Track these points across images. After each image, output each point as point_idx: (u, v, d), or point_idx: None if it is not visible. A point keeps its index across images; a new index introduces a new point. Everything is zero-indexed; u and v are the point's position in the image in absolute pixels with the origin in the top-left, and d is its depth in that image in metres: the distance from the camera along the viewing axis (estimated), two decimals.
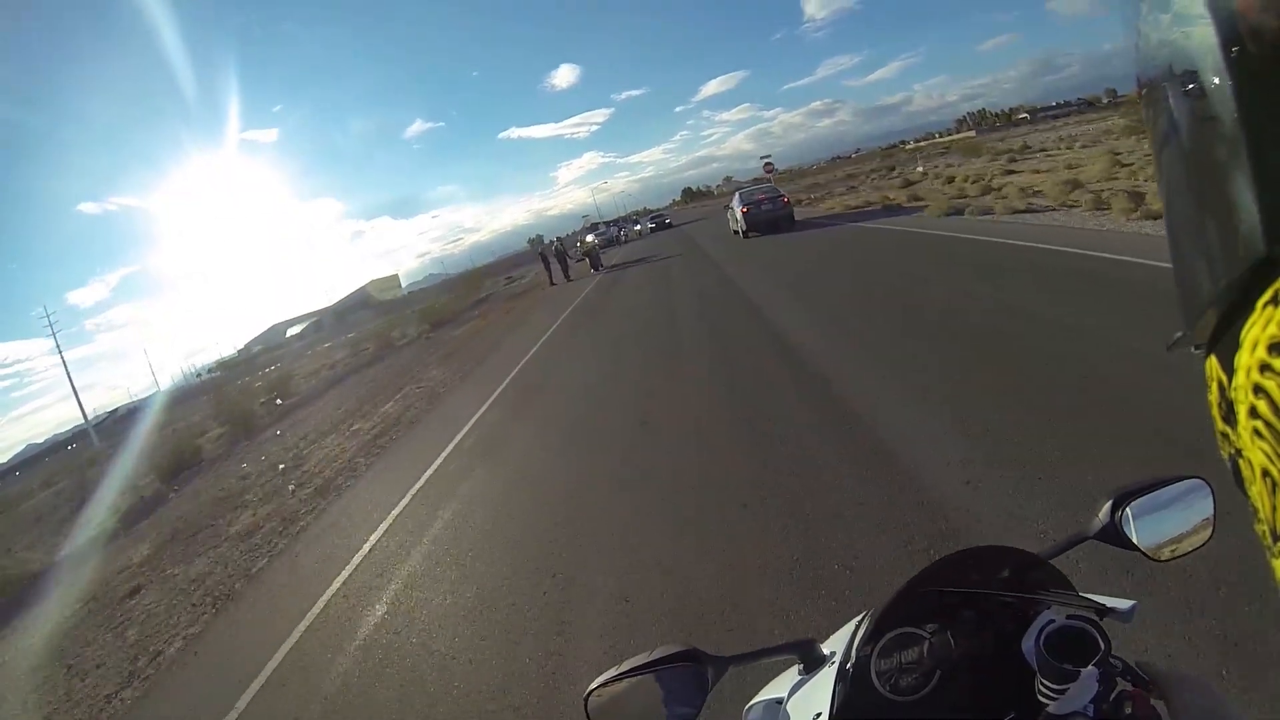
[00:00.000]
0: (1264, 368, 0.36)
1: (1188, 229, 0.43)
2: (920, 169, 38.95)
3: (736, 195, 27.69)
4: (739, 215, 25.41)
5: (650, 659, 0.98)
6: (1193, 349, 0.46)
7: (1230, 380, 0.40)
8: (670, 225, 56.31)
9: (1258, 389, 0.37)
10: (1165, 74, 0.41)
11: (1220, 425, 0.43)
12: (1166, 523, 1.03)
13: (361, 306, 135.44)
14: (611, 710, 0.98)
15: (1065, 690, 0.79)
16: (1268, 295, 0.36)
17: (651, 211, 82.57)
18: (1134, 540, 1.02)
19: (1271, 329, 0.35)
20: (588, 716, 0.98)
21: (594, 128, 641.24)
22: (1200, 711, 0.77)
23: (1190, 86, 0.39)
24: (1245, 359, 0.38)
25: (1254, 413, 0.38)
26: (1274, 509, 0.38)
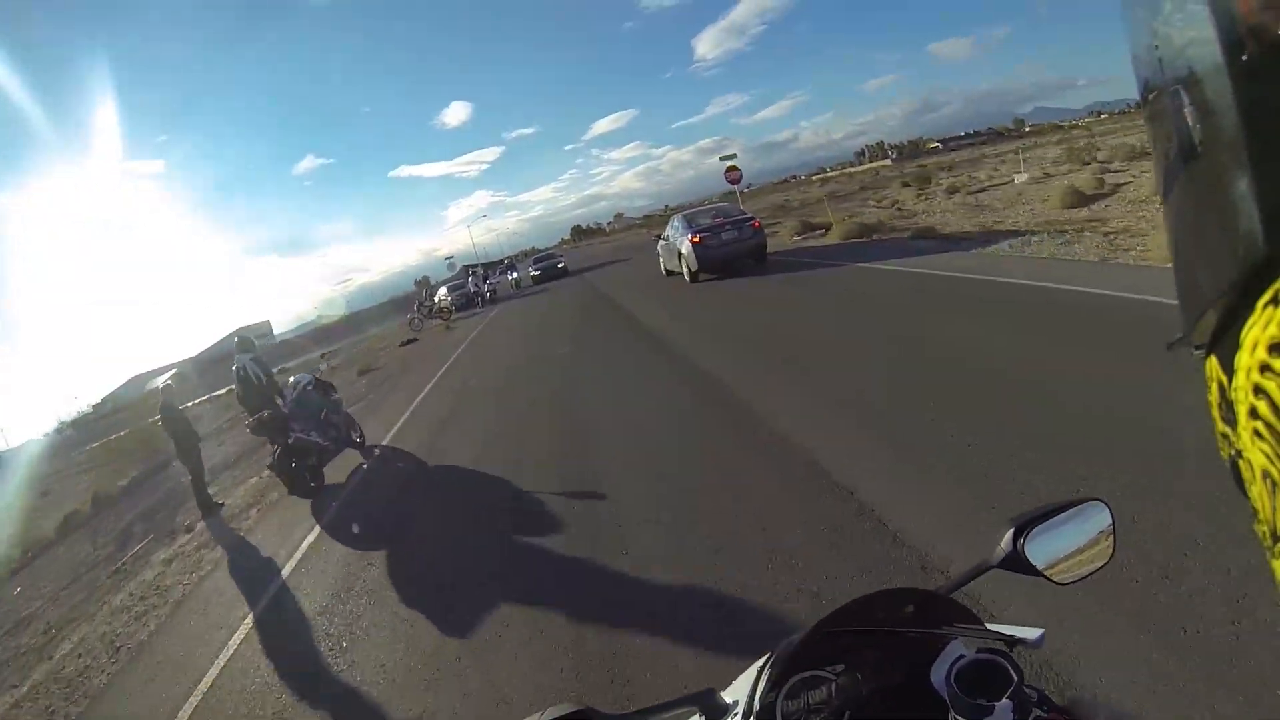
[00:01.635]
0: (1264, 368, 0.36)
1: (1188, 229, 0.43)
2: (1022, 174, 24.02)
3: (676, 221, 17.87)
4: (685, 249, 16.37)
5: None
6: (1193, 350, 0.45)
7: (1230, 381, 0.40)
8: (563, 270, 36.48)
9: (1258, 390, 0.36)
10: (1165, 75, 0.41)
11: (1220, 426, 0.43)
12: (1066, 544, 1.03)
13: (228, 357, 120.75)
14: None
15: None
16: (1268, 296, 0.35)
17: (538, 251, 58.94)
18: (1036, 567, 1.01)
19: (1271, 329, 0.35)
20: None
21: (484, 166, 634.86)
22: None
23: (1191, 87, 0.38)
24: (1245, 360, 0.37)
25: (1254, 413, 0.37)
26: (1274, 509, 0.37)
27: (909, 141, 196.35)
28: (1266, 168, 0.33)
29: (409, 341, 25.56)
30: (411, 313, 32.87)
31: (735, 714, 0.95)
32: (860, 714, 0.90)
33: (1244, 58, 0.34)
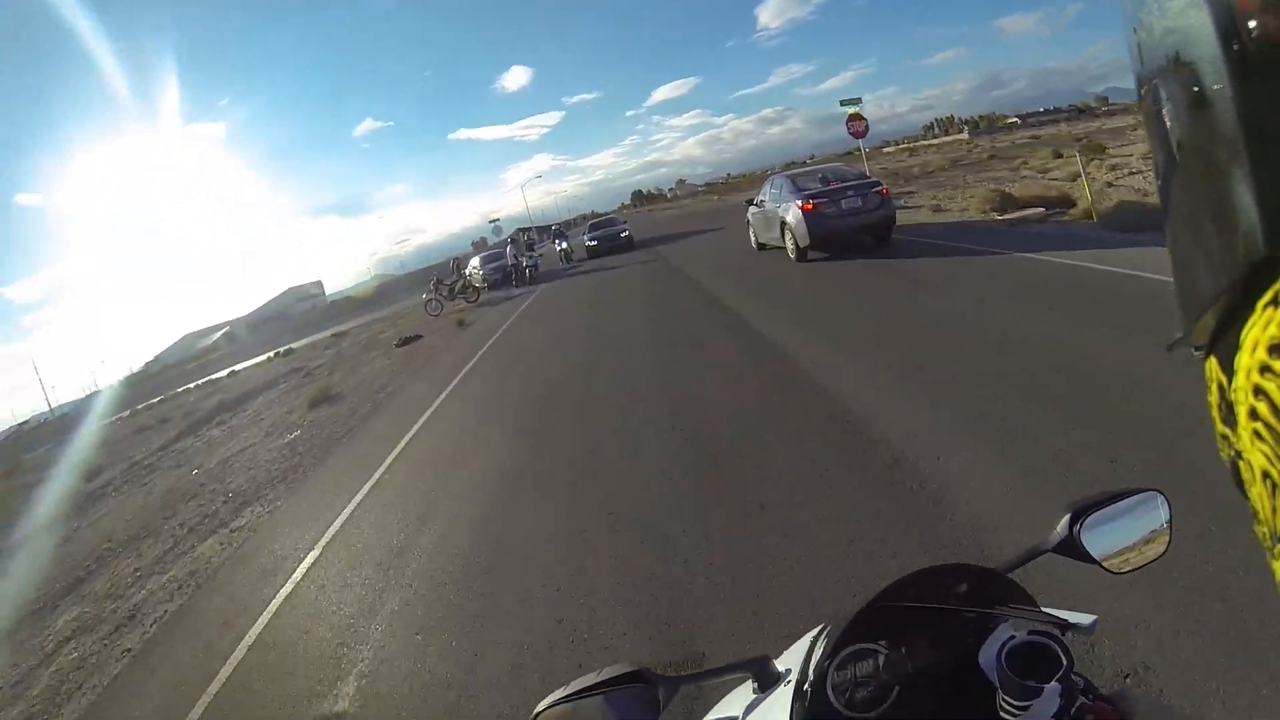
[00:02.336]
0: (1264, 369, 0.36)
1: (1187, 229, 0.43)
2: None
3: (779, 183, 14.32)
4: (792, 218, 12.80)
5: (599, 680, 0.95)
6: (1192, 350, 0.45)
7: (1230, 382, 0.40)
8: (627, 241, 28.94)
9: (1258, 390, 0.36)
10: (1163, 72, 0.41)
11: (1220, 427, 0.43)
12: (1123, 535, 1.03)
13: (279, 316, 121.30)
14: None
15: (1028, 707, 0.78)
16: (1268, 296, 0.35)
17: (597, 216, 49.85)
18: (1092, 554, 1.01)
19: (1272, 330, 0.35)
20: None
21: (544, 130, 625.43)
22: None
23: (1189, 85, 0.38)
24: (1245, 360, 0.37)
25: (1254, 414, 0.37)
26: (1274, 510, 0.37)
27: (981, 116, 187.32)
28: (1266, 167, 0.33)
29: (408, 341, 19.25)
30: (429, 293, 26.36)
31: (788, 681, 0.98)
32: (908, 689, 0.91)
33: (1243, 56, 0.33)
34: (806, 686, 0.92)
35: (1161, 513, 1.03)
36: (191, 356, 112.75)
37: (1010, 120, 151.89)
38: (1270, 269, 0.34)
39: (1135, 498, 1.03)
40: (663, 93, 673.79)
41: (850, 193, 12.22)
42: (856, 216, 12.15)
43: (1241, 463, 0.40)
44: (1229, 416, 0.40)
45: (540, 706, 0.96)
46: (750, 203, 16.17)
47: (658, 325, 10.77)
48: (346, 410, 11.43)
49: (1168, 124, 0.41)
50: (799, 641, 1.10)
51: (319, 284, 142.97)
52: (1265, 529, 0.39)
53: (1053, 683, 0.77)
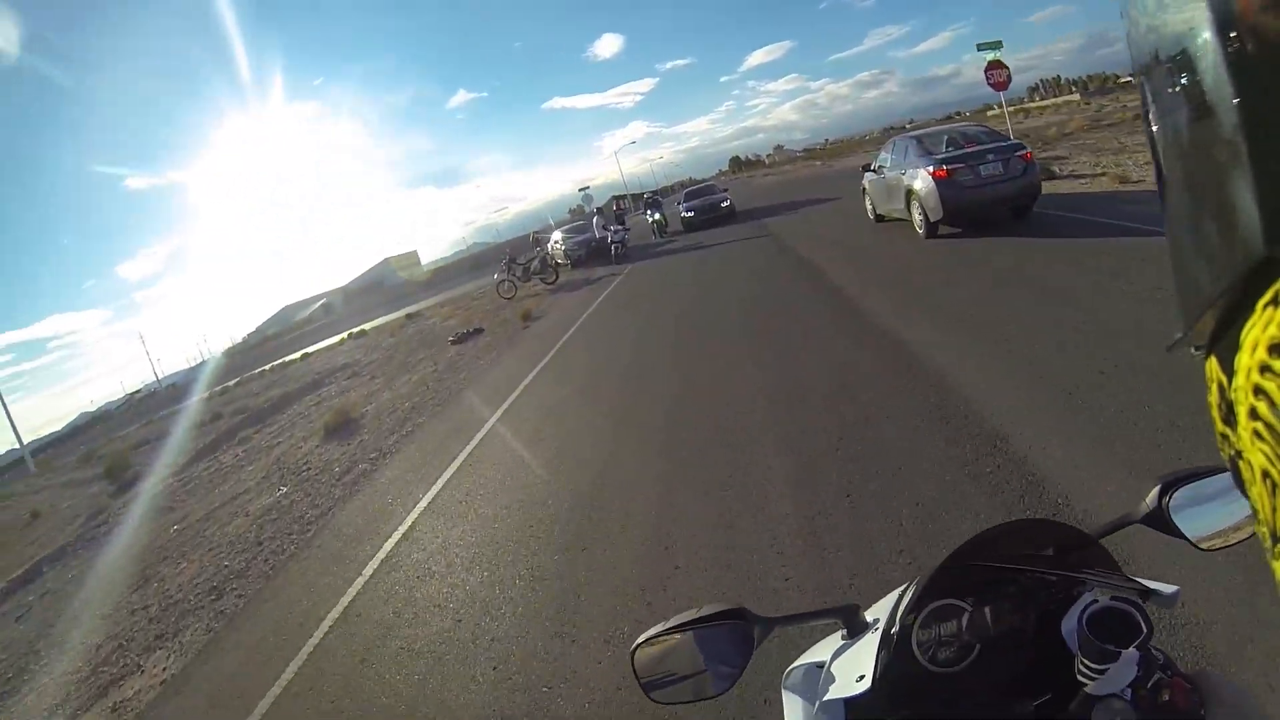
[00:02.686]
0: (1264, 369, 0.36)
1: (1186, 228, 0.43)
2: None
3: (902, 145, 12.60)
4: (921, 186, 11.18)
5: (698, 615, 1.00)
6: (1192, 350, 0.46)
7: (1230, 382, 0.40)
8: (728, 211, 26.38)
9: (1258, 390, 0.36)
10: (1162, 71, 0.41)
11: (1220, 427, 0.43)
12: (1213, 512, 1.01)
13: (376, 287, 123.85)
14: (657, 665, 1.02)
15: (1105, 671, 0.79)
16: (1268, 296, 0.36)
17: (693, 183, 44.74)
18: (1180, 528, 1.01)
19: (1272, 330, 0.35)
20: (634, 670, 1.01)
21: (639, 97, 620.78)
22: (1235, 713, 0.77)
23: (1188, 84, 0.38)
24: (1245, 360, 0.38)
25: (1254, 414, 0.37)
26: (1274, 510, 0.38)
27: (1090, 76, 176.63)
28: (1266, 167, 0.33)
29: (465, 337, 16.81)
30: (501, 272, 23.73)
31: (875, 630, 1.02)
32: (989, 649, 0.94)
33: (1243, 55, 0.33)
34: (892, 632, 0.95)
35: None
36: (288, 328, 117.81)
37: (1124, 79, 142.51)
38: (1270, 269, 0.34)
39: (1228, 474, 0.68)
40: (757, 57, 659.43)
41: (990, 157, 10.53)
42: (996, 186, 10.44)
43: (1241, 462, 0.40)
44: (1229, 416, 0.41)
45: (642, 638, 1.01)
46: (866, 168, 14.40)
47: (770, 326, 8.81)
48: (349, 457, 8.94)
49: (1167, 123, 0.42)
50: (889, 595, 1.10)
51: (414, 254, 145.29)
52: (1265, 529, 0.39)
53: (1131, 649, 0.77)
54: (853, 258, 11.96)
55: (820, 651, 1.18)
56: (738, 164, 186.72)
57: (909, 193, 11.53)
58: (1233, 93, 0.34)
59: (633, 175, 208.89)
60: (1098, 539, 1.03)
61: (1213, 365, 0.42)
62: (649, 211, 30.65)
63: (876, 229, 13.86)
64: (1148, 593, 0.91)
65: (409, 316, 31.10)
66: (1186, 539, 1.00)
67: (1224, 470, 0.77)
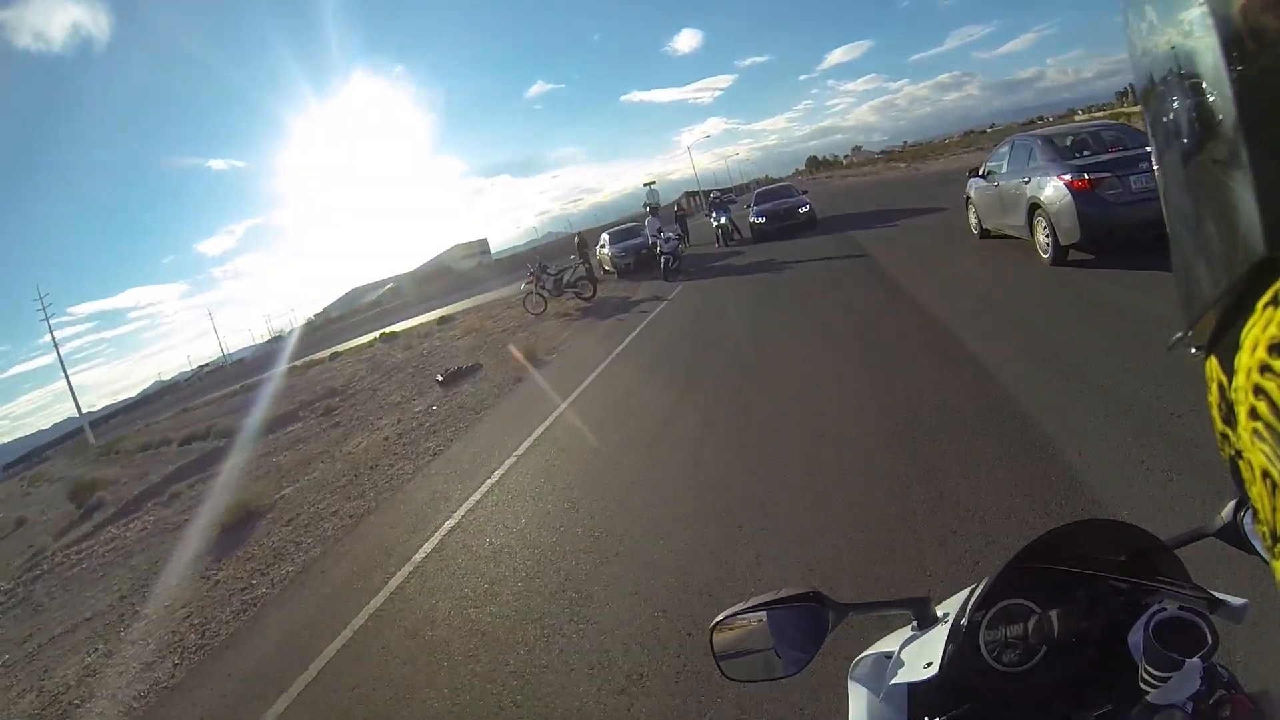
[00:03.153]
0: (1264, 369, 0.36)
1: (1188, 230, 0.44)
2: None
3: (1025, 147, 10.23)
4: (1053, 199, 8.88)
5: (775, 598, 1.03)
6: (1193, 350, 0.46)
7: (1230, 381, 0.40)
8: (808, 218, 22.41)
9: (1258, 390, 0.37)
10: (1166, 74, 0.42)
11: (1220, 426, 0.43)
12: None
13: (444, 273, 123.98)
14: (734, 644, 1.05)
15: (1168, 679, 0.78)
16: (1267, 296, 0.36)
17: (769, 181, 41.05)
18: (1254, 544, 0.98)
19: (1271, 330, 0.36)
20: (711, 645, 1.06)
21: (717, 93, 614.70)
22: None
23: (1190, 87, 0.39)
24: (1245, 360, 0.38)
25: (1254, 414, 0.38)
26: (1274, 510, 0.38)
27: None
28: (1266, 168, 0.34)
29: (457, 375, 14.22)
30: (529, 282, 20.54)
31: (945, 622, 1.02)
32: (1054, 653, 0.95)
33: (1244, 58, 0.34)
34: (962, 624, 0.97)
35: None
36: (353, 310, 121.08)
37: None
38: (1270, 269, 0.35)
39: None
40: (836, 56, 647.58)
41: (1143, 165, 8.27)
42: (1150, 203, 7.92)
43: (1241, 462, 0.40)
44: (1229, 416, 0.41)
45: (720, 616, 1.05)
46: (974, 173, 12.07)
47: (873, 401, 5.98)
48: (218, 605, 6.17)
49: (1168, 125, 0.42)
50: (960, 592, 1.11)
51: (484, 242, 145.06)
52: (1265, 528, 0.39)
53: (1195, 659, 0.76)
54: (979, 299, 8.54)
55: (889, 643, 1.17)
56: (815, 164, 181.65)
57: (1033, 207, 9.32)
58: (1233, 94, 0.34)
59: (708, 171, 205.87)
60: (1173, 548, 1.02)
61: (1213, 365, 0.42)
62: (714, 214, 26.35)
63: (985, 249, 11.55)
64: (1216, 604, 0.90)
65: (441, 321, 29.29)
66: (1262, 557, 0.86)
67: None
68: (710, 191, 28.52)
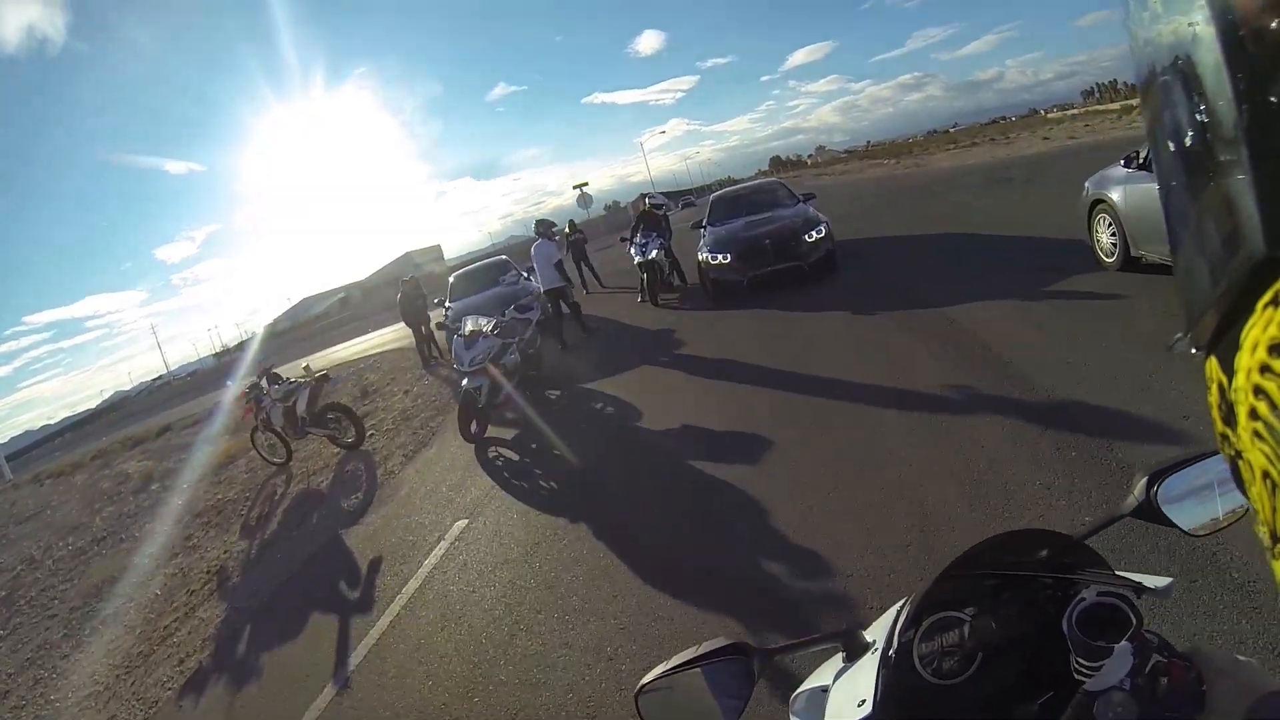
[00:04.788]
0: (1264, 369, 0.35)
1: (1188, 230, 0.43)
2: None
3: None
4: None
5: (697, 654, 0.97)
6: (1193, 350, 0.44)
7: (1230, 382, 0.39)
8: (822, 258, 9.66)
9: (1258, 390, 0.36)
10: (1165, 74, 0.41)
11: (1220, 427, 0.42)
12: (1201, 497, 0.99)
13: (395, 281, 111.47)
14: (663, 705, 0.98)
15: (1100, 667, 0.78)
16: (1268, 296, 0.35)
17: (733, 182, 29.54)
18: (1170, 518, 1.00)
19: (1272, 330, 0.35)
20: (639, 712, 0.99)
21: (679, 94, 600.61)
22: (1236, 684, 0.75)
23: (1191, 83, 0.38)
24: (1245, 360, 0.37)
25: (1254, 414, 0.37)
26: (1274, 510, 0.37)
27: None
28: (1266, 168, 0.33)
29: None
30: (251, 407, 9.23)
31: (874, 650, 0.97)
32: (993, 656, 0.93)
33: (1244, 58, 0.33)
34: (891, 653, 0.92)
35: None
36: (302, 323, 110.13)
37: None
38: (1270, 269, 0.34)
39: (1214, 459, 0.97)
40: (798, 57, 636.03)
41: None
42: None
43: (1241, 462, 0.39)
44: (1229, 416, 0.40)
45: (643, 681, 0.98)
46: (1130, 162, 6.24)
47: None
48: None
49: (1168, 122, 0.41)
50: (886, 613, 1.05)
51: (437, 248, 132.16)
52: (1265, 529, 0.38)
53: (1123, 642, 0.77)
54: None
55: (823, 675, 1.13)
56: (779, 164, 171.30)
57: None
58: (1233, 94, 0.33)
59: (669, 173, 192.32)
60: (1085, 539, 1.00)
61: (1213, 365, 0.41)
62: (637, 239, 12.38)
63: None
64: (1142, 588, 0.88)
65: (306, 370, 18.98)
66: (1178, 528, 0.99)
67: (1206, 456, 0.96)
68: (642, 199, 13.20)
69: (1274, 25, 0.31)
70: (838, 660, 1.08)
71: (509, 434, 7.36)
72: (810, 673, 1.21)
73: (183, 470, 12.52)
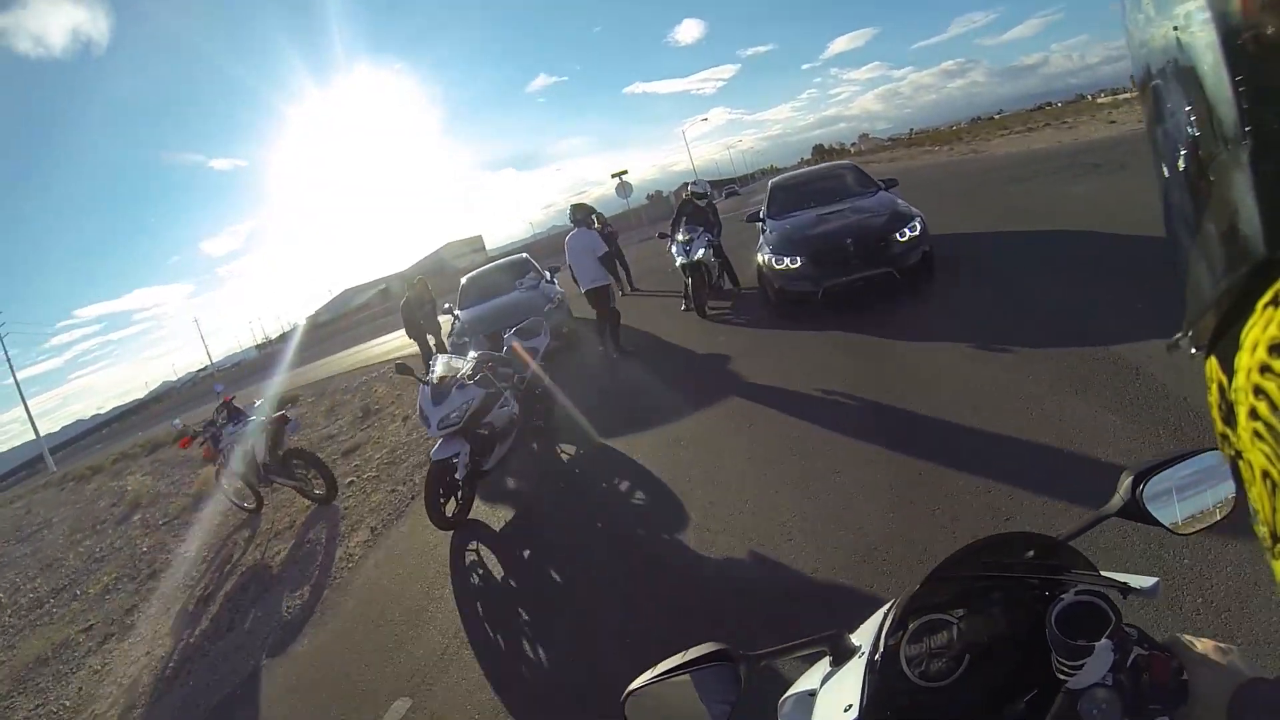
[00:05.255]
0: (1264, 369, 0.35)
1: (1188, 230, 0.42)
2: None
3: None
4: None
5: (685, 660, 0.93)
6: (1193, 350, 0.44)
7: (1230, 382, 0.39)
8: (912, 260, 7.30)
9: (1258, 390, 0.35)
10: (1165, 74, 0.40)
11: (1220, 427, 0.42)
12: (1187, 496, 0.99)
13: (436, 271, 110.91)
14: (650, 711, 0.95)
15: (1082, 665, 0.78)
16: (1267, 297, 0.35)
17: (779, 171, 27.43)
18: (1156, 516, 0.99)
19: (1271, 330, 0.34)
20: (624, 717, 0.96)
21: (720, 84, 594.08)
22: (1217, 672, 0.75)
23: (1190, 83, 0.37)
24: (1245, 360, 0.36)
25: (1254, 414, 0.36)
26: (1274, 510, 0.36)
27: None
28: (1266, 169, 0.32)
29: None
30: (210, 447, 7.42)
31: (861, 654, 0.94)
32: (981, 657, 0.91)
33: (1244, 58, 0.33)
34: (877, 658, 0.90)
35: (1224, 468, 0.90)
36: (341, 315, 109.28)
37: None
38: (1270, 269, 0.33)
39: (1198, 457, 0.98)
40: (839, 44, 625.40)
41: None
42: None
43: (1241, 463, 0.39)
44: (1229, 416, 0.39)
45: (631, 687, 0.95)
46: None
47: None
48: None
49: (1167, 121, 0.40)
50: (873, 616, 1.03)
51: (478, 239, 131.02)
52: (1265, 529, 0.38)
53: (1103, 640, 0.77)
54: None
55: (810, 679, 1.08)
56: (821, 152, 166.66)
57: None
58: (1233, 95, 0.33)
59: (711, 162, 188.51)
60: (1070, 539, 1.01)
61: (1213, 365, 0.41)
62: (681, 236, 10.16)
63: None
64: (1128, 588, 0.89)
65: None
66: (1164, 526, 0.98)
67: (1190, 454, 0.96)
68: (690, 185, 10.93)
69: (1273, 26, 0.31)
70: (825, 664, 1.03)
71: (498, 517, 5.43)
72: (798, 677, 1.12)
73: (168, 498, 11.12)
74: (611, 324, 8.94)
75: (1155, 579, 0.90)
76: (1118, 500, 1.01)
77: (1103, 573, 0.93)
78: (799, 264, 7.68)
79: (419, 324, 11.75)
